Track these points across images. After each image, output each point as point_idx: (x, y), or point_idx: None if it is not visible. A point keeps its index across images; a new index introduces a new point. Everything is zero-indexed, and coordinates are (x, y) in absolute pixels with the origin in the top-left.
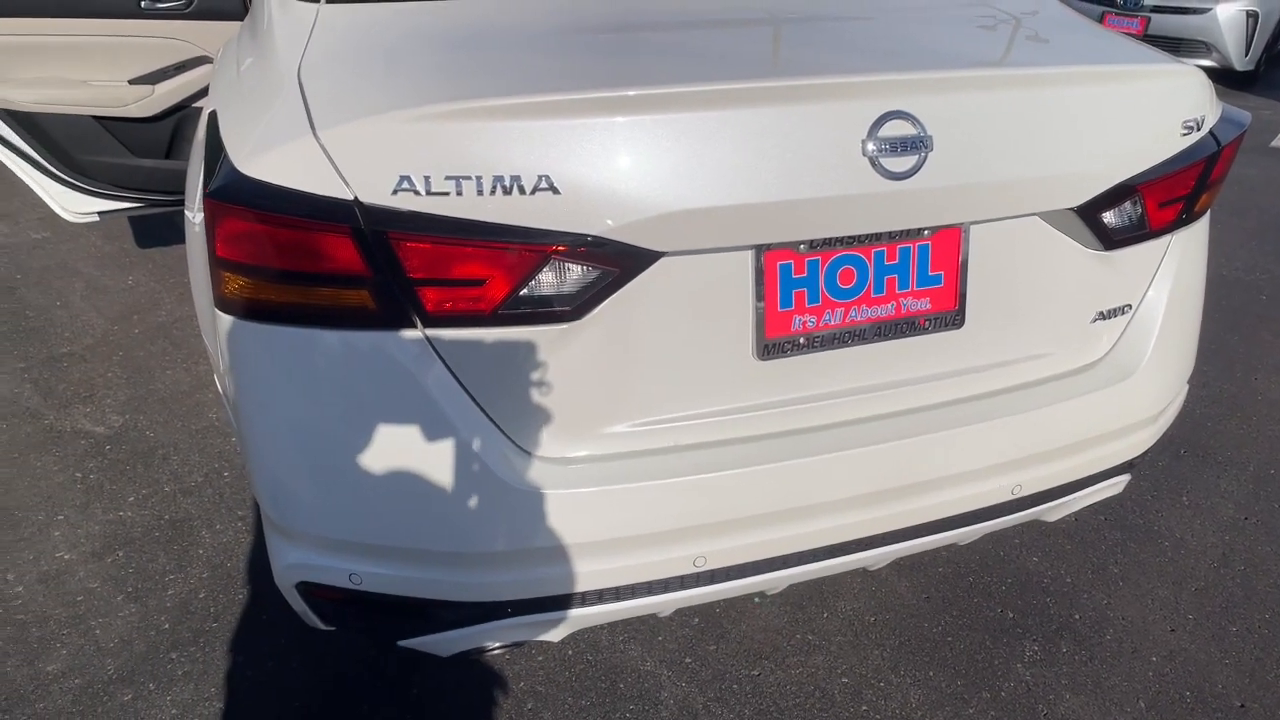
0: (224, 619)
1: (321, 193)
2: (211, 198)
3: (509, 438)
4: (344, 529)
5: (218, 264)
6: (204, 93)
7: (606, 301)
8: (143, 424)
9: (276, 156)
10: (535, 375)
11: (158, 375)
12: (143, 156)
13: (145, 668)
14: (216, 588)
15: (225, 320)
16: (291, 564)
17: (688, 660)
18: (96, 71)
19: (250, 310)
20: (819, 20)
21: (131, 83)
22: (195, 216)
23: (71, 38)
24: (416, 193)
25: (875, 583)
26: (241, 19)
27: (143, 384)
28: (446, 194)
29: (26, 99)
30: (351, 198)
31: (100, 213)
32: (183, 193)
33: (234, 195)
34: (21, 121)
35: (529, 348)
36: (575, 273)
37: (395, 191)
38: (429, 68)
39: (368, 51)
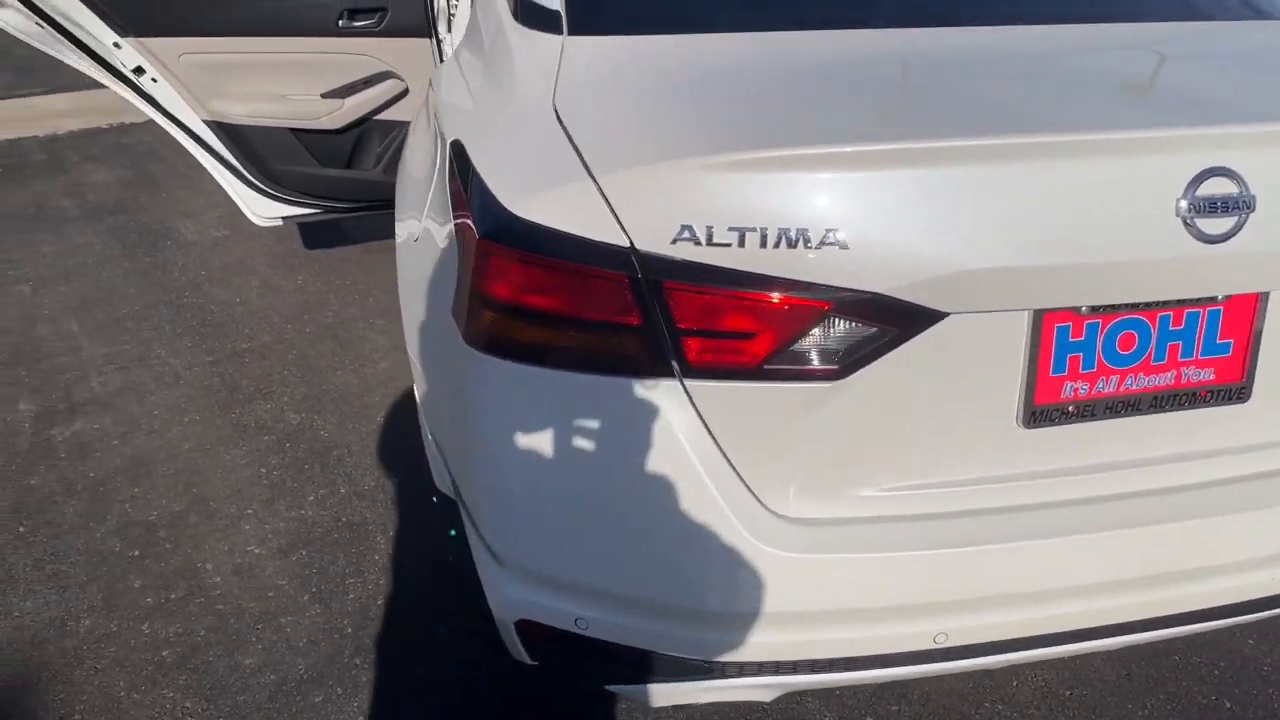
0: (403, 629)
1: (597, 238)
2: (485, 239)
3: (755, 495)
4: (576, 572)
5: (481, 301)
6: (384, 106)
7: (878, 361)
8: (317, 424)
9: (550, 199)
10: (789, 432)
11: (328, 376)
12: (327, 166)
13: (332, 671)
14: (395, 595)
15: (473, 354)
16: (513, 600)
17: (868, 719)
18: (294, 86)
19: (506, 348)
20: (1122, 63)
21: (323, 96)
22: (415, 230)
23: (276, 55)
24: (697, 242)
25: None
26: (427, 36)
27: (315, 384)
28: (728, 245)
29: (237, 112)
30: (628, 244)
31: (284, 217)
32: (359, 201)
33: (506, 236)
34: (228, 132)
35: (787, 404)
36: (850, 330)
37: (675, 240)
38: (700, 108)
39: (625, 87)
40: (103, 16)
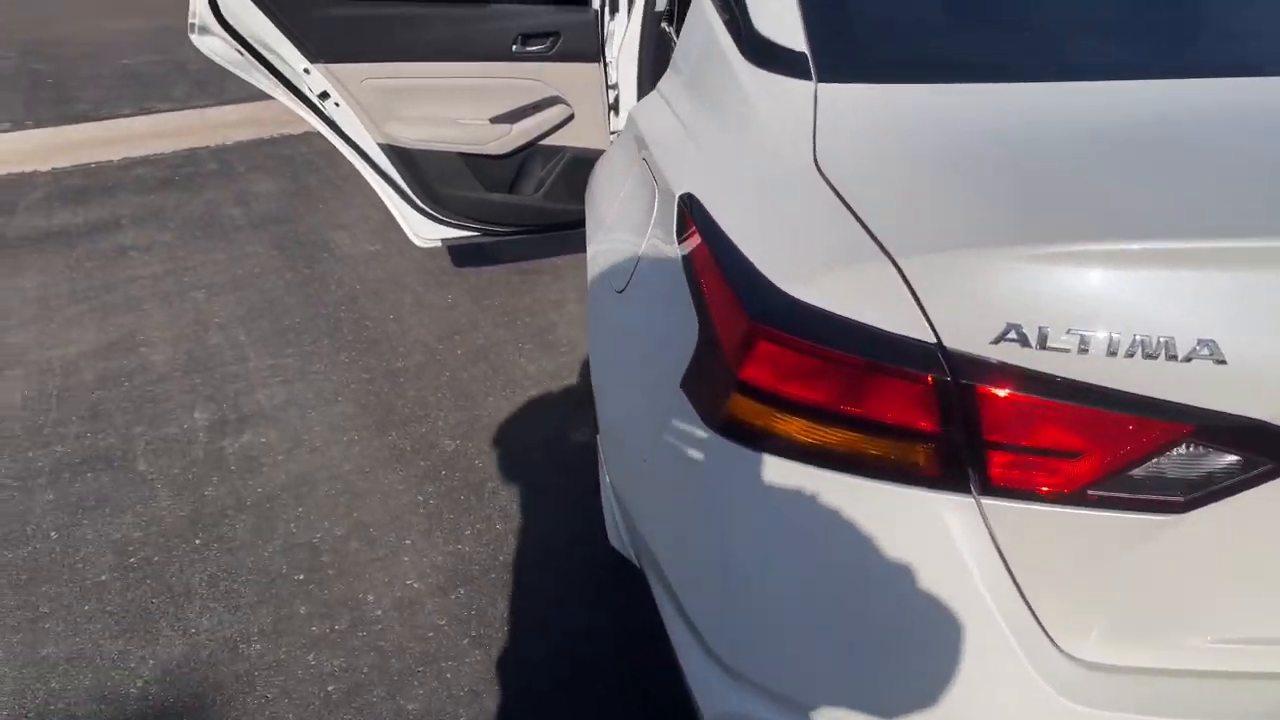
0: (568, 691)
1: (895, 330)
2: (757, 322)
3: (1048, 632)
4: (821, 695)
5: (739, 387)
6: (549, 132)
7: (1237, 496)
8: (471, 451)
9: (837, 282)
10: (1103, 567)
11: (481, 401)
12: (491, 191)
13: None
14: (555, 650)
15: (717, 441)
16: (732, 713)
17: None
18: (464, 110)
19: (763, 442)
20: None
21: (492, 121)
22: (619, 280)
23: (451, 80)
24: (1025, 344)
25: None
26: (596, 61)
27: (468, 409)
28: (1065, 350)
29: (409, 137)
30: (933, 340)
31: (444, 239)
32: (517, 226)
33: (783, 321)
34: (399, 155)
35: (1107, 535)
36: (1209, 458)
37: (997, 340)
38: (1017, 181)
39: (906, 148)
40: (297, 44)
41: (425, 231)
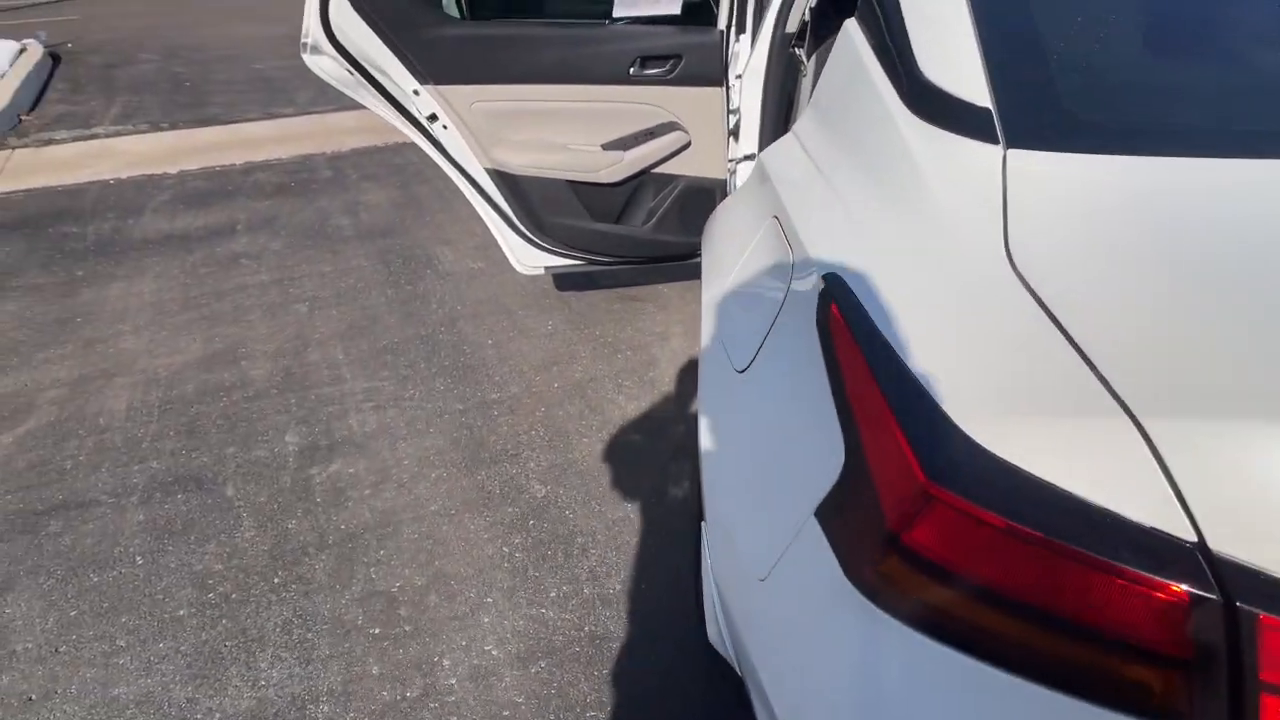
0: None
1: (1134, 516)
2: (936, 483)
3: None
4: None
5: (899, 550)
6: (664, 160)
7: None
8: (563, 500)
9: (1051, 438)
10: None
11: (575, 442)
12: (598, 220)
13: None
14: None
15: (859, 599)
16: None
17: None
18: (576, 135)
19: (923, 619)
20: None
21: (604, 148)
22: (740, 358)
23: (562, 103)
24: None
25: None
26: (719, 85)
27: (562, 450)
28: None
29: (517, 163)
30: (1194, 539)
31: (547, 267)
32: (623, 257)
33: (969, 484)
34: (506, 181)
35: None
36: None
37: None
38: None
39: (1142, 245)
40: (408, 65)
41: (529, 259)
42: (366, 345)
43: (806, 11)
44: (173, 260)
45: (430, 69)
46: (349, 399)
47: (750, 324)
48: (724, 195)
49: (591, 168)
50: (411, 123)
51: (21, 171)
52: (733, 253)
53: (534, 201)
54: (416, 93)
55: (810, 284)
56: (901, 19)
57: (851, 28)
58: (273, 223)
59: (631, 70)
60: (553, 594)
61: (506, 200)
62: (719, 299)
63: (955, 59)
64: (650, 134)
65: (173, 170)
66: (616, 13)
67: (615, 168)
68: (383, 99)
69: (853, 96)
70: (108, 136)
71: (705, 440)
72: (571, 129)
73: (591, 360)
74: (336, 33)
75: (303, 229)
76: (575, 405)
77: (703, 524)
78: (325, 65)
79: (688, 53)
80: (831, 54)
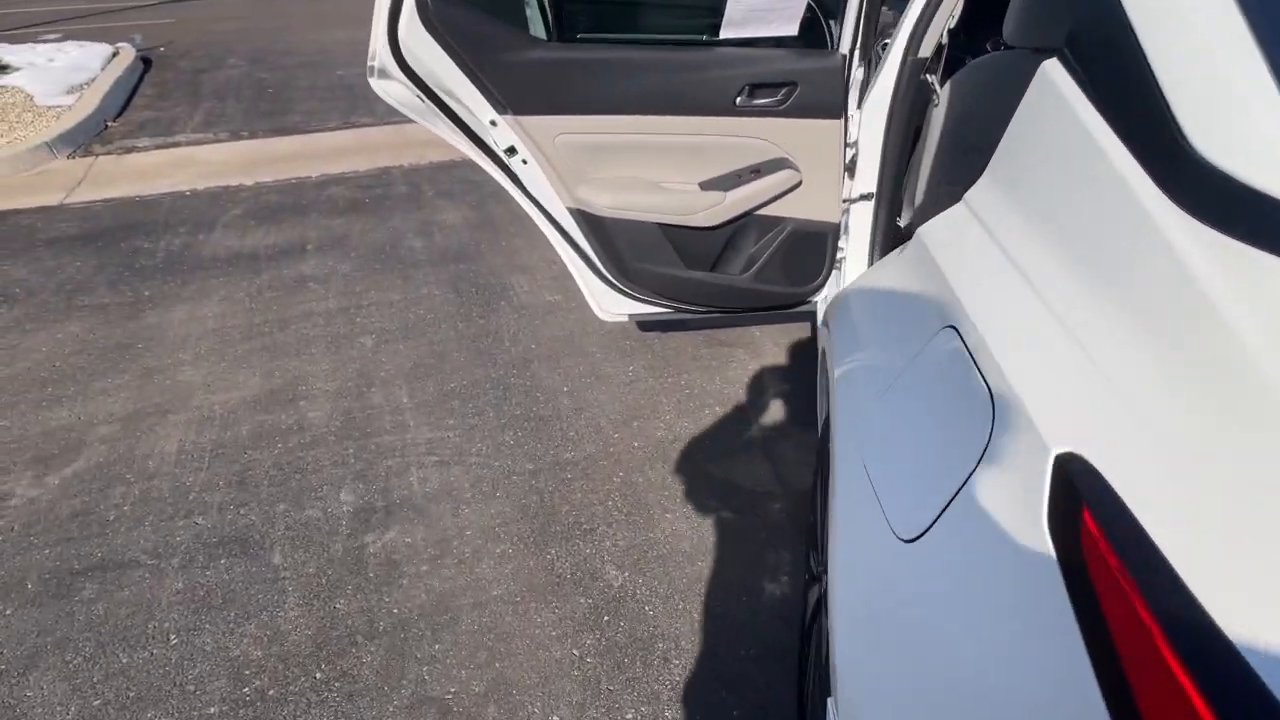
0: None
1: None
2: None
3: None
4: None
5: None
6: (770, 201)
7: None
8: (642, 592)
9: None
10: None
11: (657, 518)
12: (692, 267)
13: None
14: None
15: None
16: None
17: None
18: (671, 173)
19: None
20: None
21: (702, 188)
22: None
23: (658, 137)
24: None
25: None
26: (838, 117)
27: (642, 527)
28: None
29: (604, 204)
30: None
31: (631, 314)
32: (717, 306)
33: None
34: (590, 222)
35: None
36: None
37: None
38: None
39: None
40: (485, 92)
41: (612, 306)
42: (433, 387)
43: (944, 34)
44: (239, 282)
45: (510, 97)
46: (410, 450)
47: (921, 477)
48: (835, 240)
49: (687, 210)
50: (488, 154)
51: (102, 180)
52: (882, 358)
53: (620, 246)
54: (494, 123)
55: (1030, 458)
56: (1144, 59)
57: (1055, 72)
58: (343, 243)
59: (738, 100)
60: (629, 716)
61: (590, 243)
62: (867, 422)
63: (1248, 125)
64: (756, 172)
65: (249, 182)
66: (724, 33)
67: (715, 210)
68: (457, 128)
69: (1068, 173)
70: (189, 144)
71: (842, 623)
72: (666, 166)
73: (675, 415)
74: (406, 55)
75: (374, 250)
76: (657, 471)
77: (829, 701)
78: (394, 92)
79: (804, 80)
80: (1023, 107)
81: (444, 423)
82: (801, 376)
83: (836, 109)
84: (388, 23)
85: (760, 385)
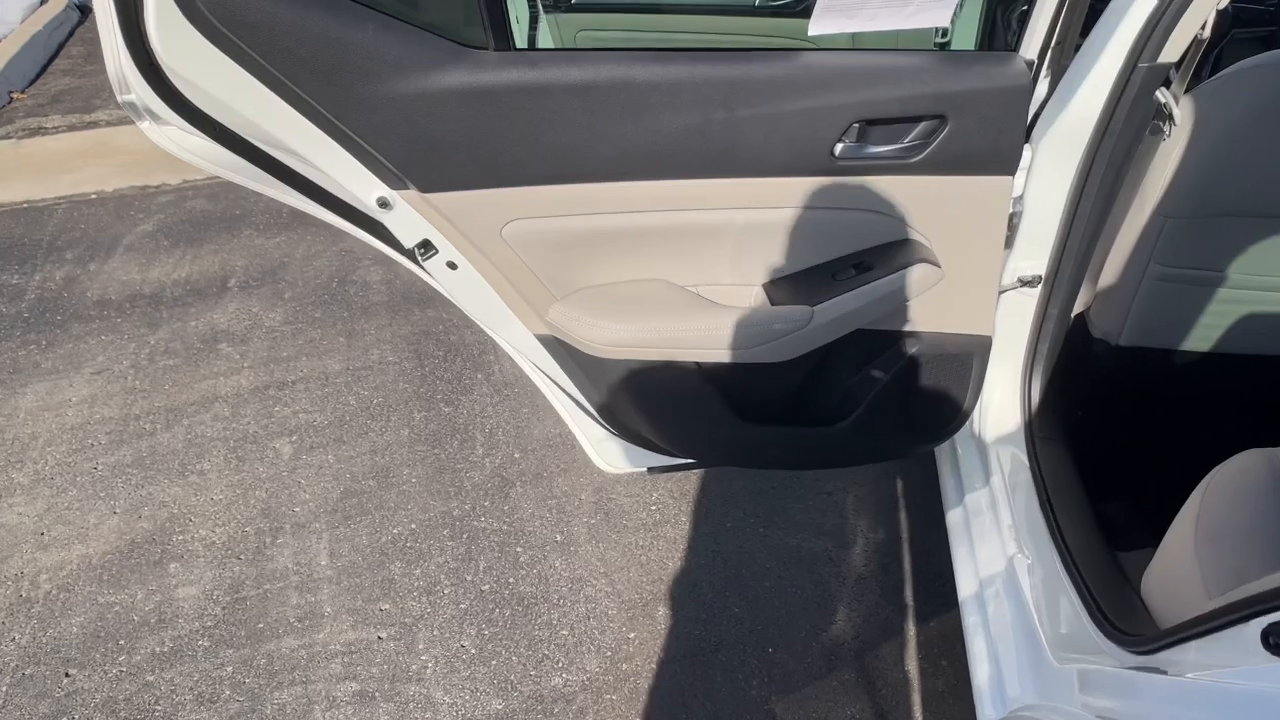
0: None
1: None
2: None
3: None
4: None
5: None
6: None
7: None
8: None
9: None
10: None
11: None
12: (749, 421)
13: None
14: None
15: None
16: None
17: None
18: (713, 272)
19: None
20: None
21: (771, 296)
22: None
23: (683, 215)
24: None
25: None
26: (1012, 170)
27: None
28: None
29: (602, 342)
30: None
31: (651, 468)
32: (778, 466)
33: None
34: (577, 358)
35: None
36: None
37: None
38: None
39: None
40: (356, 151)
41: (619, 460)
42: (365, 538)
43: (1206, 27)
44: (126, 343)
45: (410, 158)
46: (318, 670)
47: None
48: (986, 360)
49: (745, 340)
50: (392, 246)
51: None
52: None
53: (631, 398)
54: (385, 204)
55: None
56: None
57: None
58: (277, 275)
59: (839, 148)
60: None
61: (579, 387)
62: None
63: None
64: (863, 267)
65: (173, 180)
66: (815, 28)
67: (791, 338)
68: (321, 204)
69: None
70: (110, 124)
71: None
72: (706, 261)
73: (724, 592)
74: (172, 77)
75: (315, 289)
76: (697, 711)
77: None
78: (181, 141)
79: (958, 109)
80: None
81: (375, 610)
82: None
83: (1010, 157)
84: (121, 23)
85: (842, 552)
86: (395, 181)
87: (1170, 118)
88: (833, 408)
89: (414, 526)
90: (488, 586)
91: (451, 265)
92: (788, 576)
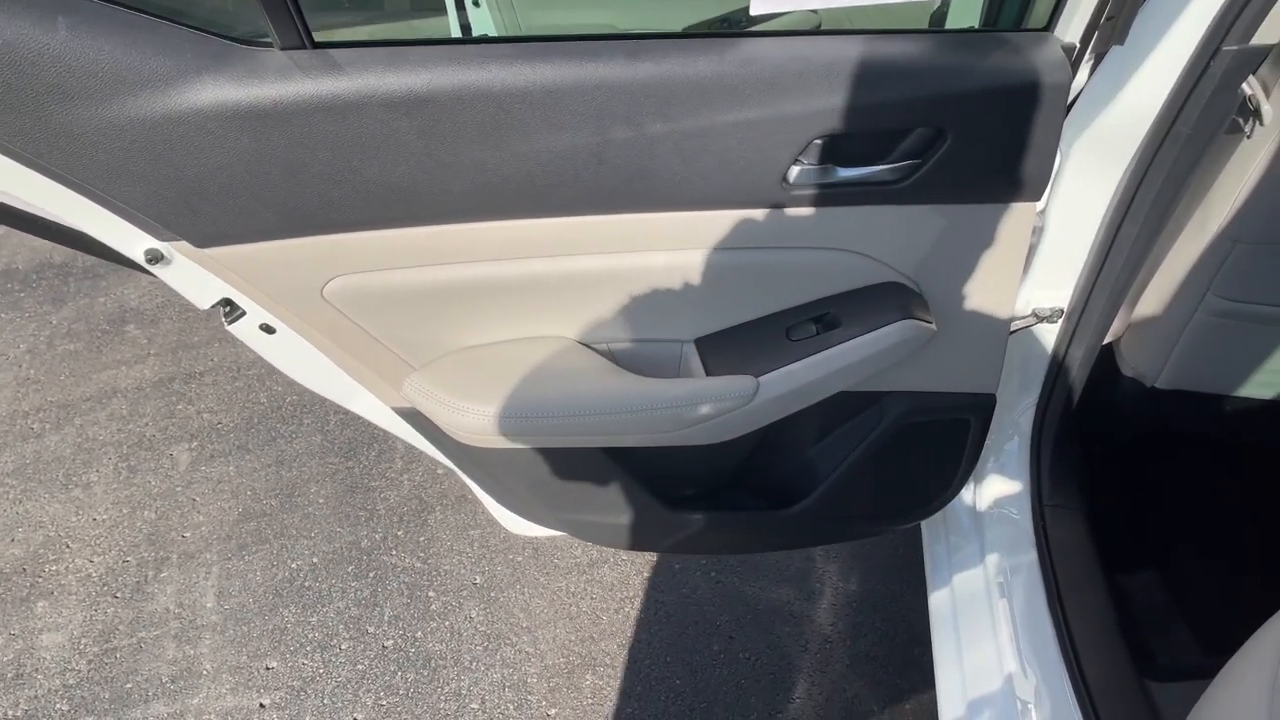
0: None
1: None
2: None
3: None
4: None
5: None
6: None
7: None
8: None
9: None
10: None
11: None
12: (677, 506)
13: None
14: None
15: None
16: None
17: None
18: (628, 326)
19: None
20: None
21: (707, 362)
22: None
23: (583, 261)
24: None
25: None
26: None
27: None
28: None
29: (470, 428)
30: None
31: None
32: (719, 552)
33: None
34: (446, 442)
35: None
36: None
37: None
38: None
39: None
40: (101, 201)
41: (523, 529)
42: (260, 573)
43: None
44: (27, 322)
45: (177, 199)
46: None
47: None
48: (984, 420)
49: (667, 421)
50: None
51: None
52: None
53: (523, 485)
54: (155, 259)
55: None
56: None
57: None
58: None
59: (794, 173)
60: None
61: (463, 471)
62: None
63: None
64: (825, 324)
65: None
66: (758, 3)
67: (727, 417)
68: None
69: None
70: None
71: None
72: (614, 312)
73: (661, 662)
74: None
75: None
76: None
77: None
78: None
79: (965, 117)
80: None
81: (260, 670)
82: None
83: (1037, 178)
84: None
85: (823, 634)
86: (160, 230)
87: (1257, 114)
88: (789, 484)
89: (315, 560)
90: (391, 642)
91: (267, 329)
92: (740, 637)
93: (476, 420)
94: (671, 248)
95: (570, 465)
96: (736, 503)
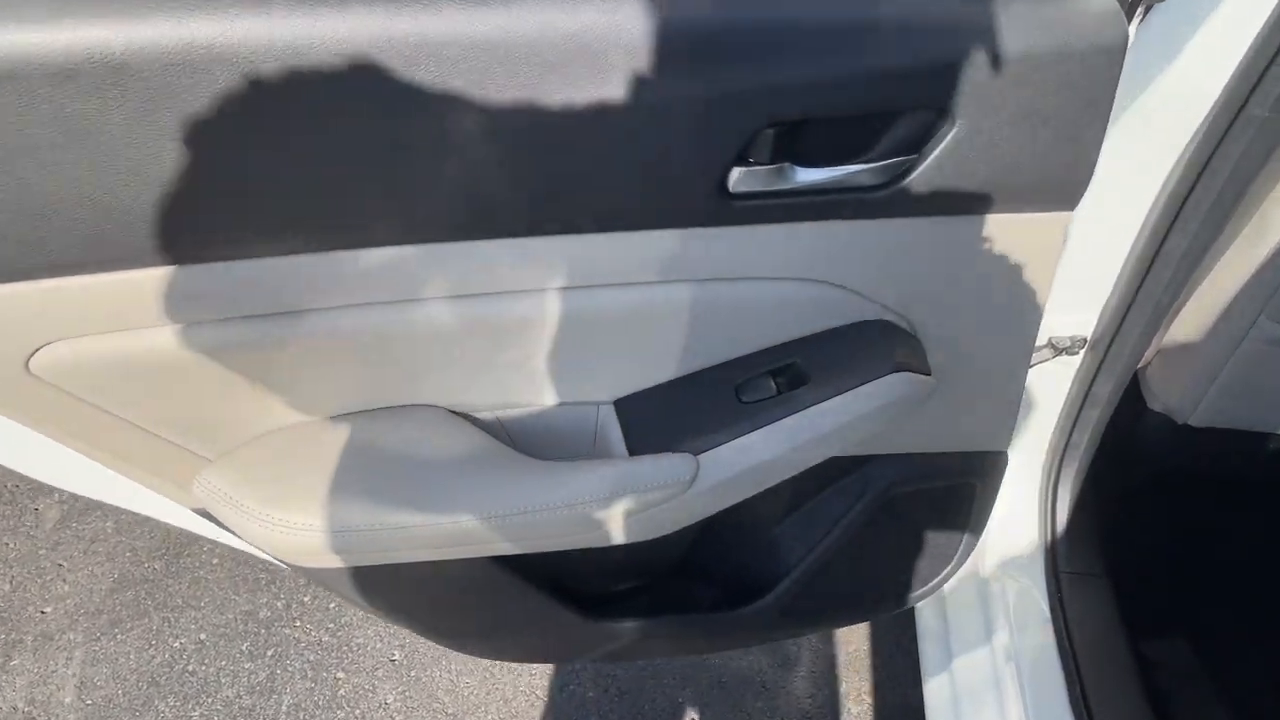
0: None
1: None
2: None
3: None
4: None
5: None
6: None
7: None
8: None
9: None
10: None
11: None
12: (600, 616)
13: None
14: None
15: None
16: None
17: None
18: (510, 388)
19: None
20: None
21: (629, 435)
22: None
23: (458, 306)
24: None
25: None
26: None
27: None
28: None
29: (282, 548)
30: None
31: None
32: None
33: None
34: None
35: None
36: None
37: None
38: None
39: None
40: None
41: None
42: (134, 656)
43: None
44: None
45: None
46: None
47: None
48: (994, 482)
49: (575, 521)
50: None
51: None
52: None
53: (388, 603)
54: None
55: None
56: None
57: None
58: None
59: (736, 177)
60: None
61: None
62: None
63: None
64: (792, 376)
65: None
66: None
67: (656, 510)
68: None
69: None
70: None
71: None
72: (497, 369)
73: None
74: None
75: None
76: None
77: None
78: None
79: (978, 96)
80: None
81: None
82: None
83: (1075, 179)
84: None
85: None
86: None
87: None
88: (748, 573)
89: (203, 637)
90: None
91: None
92: (707, 716)
93: (300, 538)
94: (575, 283)
95: (443, 579)
96: (681, 599)
